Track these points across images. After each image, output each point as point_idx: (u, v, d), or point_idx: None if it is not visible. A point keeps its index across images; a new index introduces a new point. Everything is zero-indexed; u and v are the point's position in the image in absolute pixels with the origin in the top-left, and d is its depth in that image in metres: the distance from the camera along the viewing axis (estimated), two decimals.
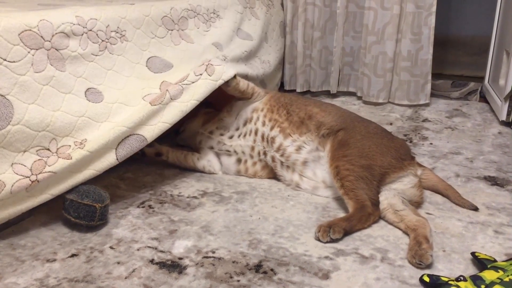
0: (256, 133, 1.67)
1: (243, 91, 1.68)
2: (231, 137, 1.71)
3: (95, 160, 1.37)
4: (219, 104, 1.83)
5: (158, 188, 1.63)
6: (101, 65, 1.45)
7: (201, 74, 1.56)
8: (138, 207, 1.49)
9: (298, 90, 2.77)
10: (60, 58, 1.34)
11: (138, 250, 1.26)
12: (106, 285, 1.12)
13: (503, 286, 1.04)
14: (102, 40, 1.47)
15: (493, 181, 1.68)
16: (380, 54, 2.54)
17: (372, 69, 2.57)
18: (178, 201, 1.54)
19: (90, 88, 1.40)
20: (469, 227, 1.37)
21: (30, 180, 1.24)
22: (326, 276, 1.15)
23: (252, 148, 1.68)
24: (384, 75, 2.56)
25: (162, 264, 1.20)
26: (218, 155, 1.74)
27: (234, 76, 1.63)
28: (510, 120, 2.24)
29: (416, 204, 1.47)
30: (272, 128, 1.64)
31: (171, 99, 1.50)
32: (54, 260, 1.21)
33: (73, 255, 1.23)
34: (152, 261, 1.21)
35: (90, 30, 1.43)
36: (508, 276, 1.06)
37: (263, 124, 1.66)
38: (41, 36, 1.29)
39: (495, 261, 1.15)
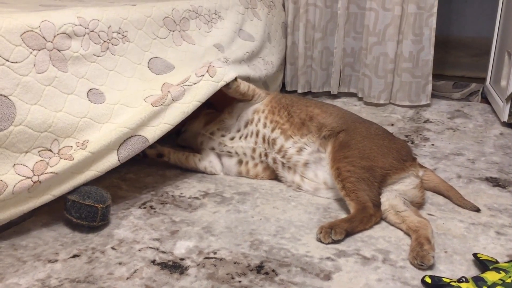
0: (257, 135, 1.67)
1: (243, 93, 1.68)
2: (232, 139, 1.71)
3: (97, 161, 1.37)
4: (221, 105, 1.83)
5: (159, 188, 1.63)
6: (103, 66, 1.46)
7: (202, 76, 1.57)
8: (139, 207, 1.49)
9: (299, 91, 2.77)
10: (62, 59, 1.34)
11: (139, 250, 1.26)
12: (107, 285, 1.12)
13: (505, 287, 1.04)
14: (104, 41, 1.47)
15: (495, 182, 1.68)
16: (381, 55, 2.54)
17: (373, 70, 2.57)
18: (180, 201, 1.54)
19: (92, 89, 1.41)
20: (471, 228, 1.37)
21: (32, 180, 1.25)
22: (327, 277, 1.15)
23: (254, 150, 1.68)
24: (385, 76, 2.56)
25: (163, 265, 1.20)
26: (219, 156, 1.74)
27: (235, 79, 1.63)
28: None
29: (418, 205, 1.46)
30: (273, 130, 1.64)
31: (173, 100, 1.50)
32: (56, 260, 1.21)
33: (74, 256, 1.23)
34: (153, 261, 1.21)
35: (92, 31, 1.43)
36: (510, 277, 1.06)
37: (264, 125, 1.66)
38: (43, 37, 1.29)
39: (497, 262, 1.15)
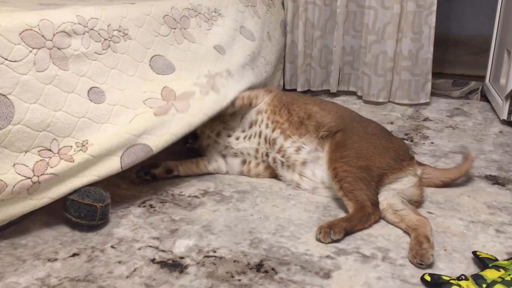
0: (260, 135, 1.67)
1: (240, 107, 1.71)
2: (237, 139, 1.71)
3: (98, 165, 1.36)
4: None
5: (159, 187, 1.63)
6: (104, 63, 1.45)
7: (207, 93, 1.62)
8: (139, 206, 1.49)
9: (299, 89, 2.77)
10: (62, 57, 1.34)
11: (139, 249, 1.26)
12: (107, 284, 1.12)
13: (505, 285, 1.04)
14: (105, 39, 1.47)
15: (494, 180, 1.68)
16: (381, 53, 2.54)
17: (373, 68, 2.57)
18: (179, 200, 1.54)
19: (93, 87, 1.40)
20: (470, 226, 1.37)
21: (31, 181, 1.24)
22: (327, 275, 1.15)
23: (257, 150, 1.68)
24: (384, 75, 2.56)
25: (163, 264, 1.20)
26: (224, 156, 1.74)
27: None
28: (511, 119, 2.24)
29: (417, 203, 1.46)
30: (273, 130, 1.65)
31: (177, 111, 1.53)
32: (56, 259, 1.21)
33: (74, 255, 1.23)
34: (153, 260, 1.21)
35: (92, 29, 1.43)
36: (509, 275, 1.06)
37: (266, 126, 1.67)
38: (42, 36, 1.29)
39: (496, 260, 1.15)
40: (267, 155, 1.66)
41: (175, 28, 1.74)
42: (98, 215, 1.33)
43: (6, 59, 1.21)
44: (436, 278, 1.10)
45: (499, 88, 2.39)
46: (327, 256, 1.23)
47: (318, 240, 1.29)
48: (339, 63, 2.70)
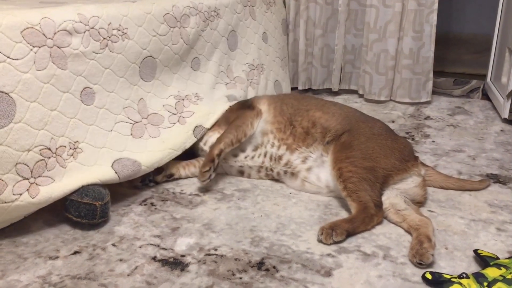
0: (265, 155, 1.63)
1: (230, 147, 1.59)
2: (241, 157, 1.65)
3: (92, 171, 1.39)
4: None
5: (160, 185, 1.63)
6: (100, 63, 1.45)
7: (174, 124, 1.68)
8: (140, 204, 1.50)
9: (300, 87, 2.77)
10: (62, 56, 1.34)
11: (140, 247, 1.26)
12: (108, 282, 1.12)
13: (506, 284, 1.04)
14: (104, 38, 1.47)
15: (495, 178, 1.68)
16: (382, 52, 2.53)
17: (374, 67, 2.57)
18: (180, 198, 1.54)
19: (86, 88, 1.41)
20: (471, 224, 1.37)
21: (29, 182, 1.25)
22: (328, 273, 1.15)
23: (260, 167, 1.65)
24: (385, 73, 2.55)
25: (164, 262, 1.20)
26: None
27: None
28: None
29: (419, 204, 1.46)
30: (279, 147, 1.61)
31: (150, 136, 1.60)
32: (57, 257, 1.22)
33: (75, 253, 1.24)
34: (154, 258, 1.21)
35: (92, 28, 1.43)
36: (511, 273, 1.06)
37: (272, 145, 1.62)
38: (44, 34, 1.29)
39: (497, 258, 1.15)
40: (271, 170, 1.64)
41: (174, 27, 1.74)
42: (98, 214, 1.33)
43: (8, 57, 1.21)
44: (437, 276, 1.10)
45: (501, 87, 2.39)
46: (328, 254, 1.23)
47: (320, 241, 1.28)
48: (340, 62, 2.70)
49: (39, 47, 1.28)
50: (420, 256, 1.17)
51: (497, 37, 2.56)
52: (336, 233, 1.27)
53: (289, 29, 2.71)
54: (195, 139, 1.66)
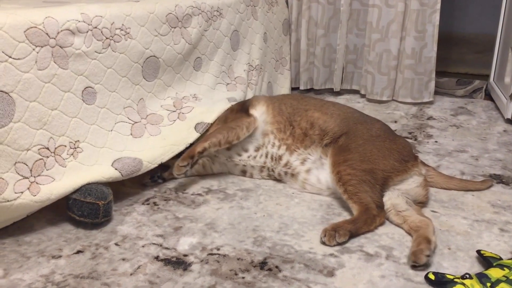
0: (266, 156, 1.63)
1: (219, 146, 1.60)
2: (242, 156, 1.66)
3: (94, 171, 1.40)
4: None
5: (162, 185, 1.63)
6: (103, 63, 1.46)
7: (174, 121, 1.68)
8: (143, 204, 1.50)
9: (302, 87, 2.77)
10: (64, 56, 1.34)
11: (143, 247, 1.26)
12: (111, 281, 1.12)
13: (509, 284, 1.04)
14: (106, 38, 1.47)
15: (498, 179, 1.67)
16: (384, 52, 2.53)
17: (376, 67, 2.57)
18: (183, 198, 1.54)
19: (87, 87, 1.41)
20: (474, 225, 1.37)
21: (29, 181, 1.25)
22: (331, 273, 1.15)
23: (262, 167, 1.65)
24: (388, 73, 2.55)
25: (167, 261, 1.20)
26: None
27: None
28: None
29: (421, 204, 1.45)
30: (279, 147, 1.61)
31: (150, 135, 1.60)
32: (60, 256, 1.22)
33: (78, 252, 1.24)
34: (157, 257, 1.21)
35: (95, 28, 1.43)
36: None
37: (273, 145, 1.62)
38: (47, 33, 1.29)
39: (500, 259, 1.15)
40: (273, 170, 1.64)
41: (175, 28, 1.74)
42: (101, 213, 1.33)
43: (10, 57, 1.21)
44: (440, 276, 1.10)
45: (504, 87, 2.38)
46: (331, 254, 1.23)
47: (323, 243, 1.27)
48: (342, 62, 2.70)
49: (42, 47, 1.28)
50: (415, 256, 1.17)
51: (500, 37, 2.56)
52: (339, 234, 1.27)
53: (291, 29, 2.71)
54: (198, 134, 1.65)
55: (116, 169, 1.43)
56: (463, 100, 2.67)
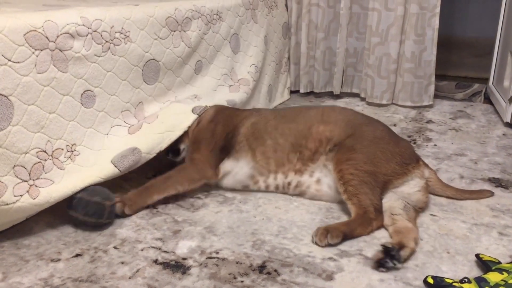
0: (277, 187, 1.58)
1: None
2: (249, 186, 1.60)
3: (92, 172, 1.40)
4: None
5: None
6: (102, 66, 1.46)
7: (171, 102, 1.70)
8: (142, 207, 1.49)
9: (302, 90, 2.78)
10: (63, 59, 1.35)
11: (142, 250, 1.26)
12: (110, 285, 1.12)
13: None
14: (106, 41, 1.47)
15: (497, 182, 1.67)
16: (384, 55, 2.53)
17: (376, 70, 2.57)
18: (182, 201, 1.54)
19: (87, 91, 1.42)
20: (473, 229, 1.37)
21: (28, 184, 1.25)
22: (330, 277, 1.15)
23: (275, 190, 1.60)
24: (387, 76, 2.55)
25: (166, 265, 1.20)
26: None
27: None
28: None
29: (420, 209, 1.44)
30: (286, 176, 1.56)
31: (148, 123, 1.60)
32: (59, 260, 1.22)
33: (77, 255, 1.24)
34: (156, 261, 1.21)
35: (95, 31, 1.43)
36: None
37: (275, 179, 1.57)
38: (46, 37, 1.29)
39: (499, 263, 1.15)
40: (285, 193, 1.59)
41: (174, 31, 1.74)
42: (106, 213, 1.34)
43: (10, 60, 1.21)
44: (439, 280, 1.10)
45: (503, 91, 2.39)
46: (330, 258, 1.23)
47: (315, 243, 1.28)
48: (342, 65, 2.70)
49: (41, 50, 1.28)
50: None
51: (499, 40, 2.56)
52: (331, 235, 1.26)
53: (291, 32, 2.72)
54: (195, 116, 1.65)
55: (115, 165, 1.43)
56: (463, 103, 2.67)
